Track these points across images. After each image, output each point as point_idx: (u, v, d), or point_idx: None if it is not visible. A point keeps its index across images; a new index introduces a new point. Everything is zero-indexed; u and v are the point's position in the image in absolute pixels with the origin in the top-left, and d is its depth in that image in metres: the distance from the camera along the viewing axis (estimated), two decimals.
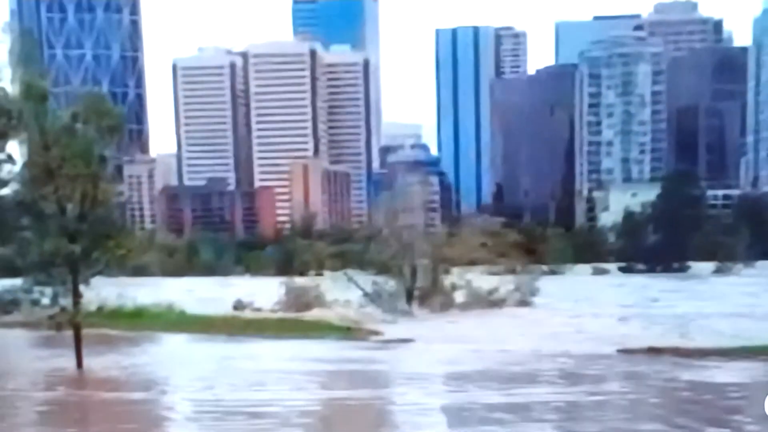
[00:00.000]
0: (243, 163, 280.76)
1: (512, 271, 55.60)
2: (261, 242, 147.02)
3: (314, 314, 45.72)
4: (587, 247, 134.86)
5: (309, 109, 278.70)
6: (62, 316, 28.21)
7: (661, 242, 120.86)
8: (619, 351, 31.60)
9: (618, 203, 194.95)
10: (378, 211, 62.39)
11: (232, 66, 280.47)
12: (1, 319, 46.15)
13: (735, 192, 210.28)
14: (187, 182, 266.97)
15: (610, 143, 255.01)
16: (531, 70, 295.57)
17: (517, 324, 42.69)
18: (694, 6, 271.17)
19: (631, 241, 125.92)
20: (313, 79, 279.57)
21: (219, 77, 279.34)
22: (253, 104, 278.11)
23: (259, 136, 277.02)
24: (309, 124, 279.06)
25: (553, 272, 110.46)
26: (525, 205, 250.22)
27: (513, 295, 52.38)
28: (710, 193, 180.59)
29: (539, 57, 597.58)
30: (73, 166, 27.39)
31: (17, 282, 46.14)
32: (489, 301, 51.03)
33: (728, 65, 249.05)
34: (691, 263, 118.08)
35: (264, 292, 53.87)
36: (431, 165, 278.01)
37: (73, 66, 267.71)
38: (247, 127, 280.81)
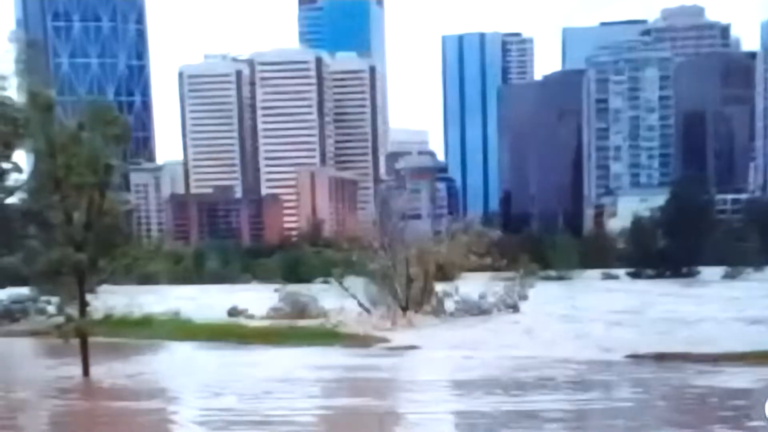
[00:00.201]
0: (249, 171, 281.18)
1: (509, 278, 56.55)
2: (268, 250, 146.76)
3: (310, 322, 45.70)
4: (596, 253, 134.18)
5: (315, 117, 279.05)
6: (69, 325, 28.12)
7: (670, 247, 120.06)
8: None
9: (626, 209, 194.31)
10: (376, 219, 62.91)
11: (238, 73, 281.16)
12: (9, 327, 46.31)
13: (744, 197, 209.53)
14: (193, 190, 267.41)
15: (618, 148, 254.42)
16: (538, 76, 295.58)
17: (506, 330, 43.55)
18: (701, 11, 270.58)
19: (640, 246, 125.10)
20: (320, 86, 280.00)
21: (225, 85, 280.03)
22: (259, 112, 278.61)
23: (265, 144, 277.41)
24: (315, 132, 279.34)
25: (561, 278, 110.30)
26: (533, 212, 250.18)
27: (502, 301, 53.00)
28: (719, 197, 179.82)
29: (546, 63, 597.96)
30: (79, 174, 27.32)
31: (24, 291, 46.38)
32: (479, 308, 51.58)
33: (736, 70, 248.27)
34: (700, 268, 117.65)
35: (267, 299, 53.87)
36: (438, 171, 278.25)
37: (79, 75, 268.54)
38: (253, 134, 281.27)
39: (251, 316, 49.79)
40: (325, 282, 52.77)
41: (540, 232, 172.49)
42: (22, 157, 39.63)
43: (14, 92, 36.54)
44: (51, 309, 32.04)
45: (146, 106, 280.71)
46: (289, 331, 42.09)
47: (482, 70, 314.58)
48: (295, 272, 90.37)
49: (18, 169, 39.99)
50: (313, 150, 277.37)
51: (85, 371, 28.44)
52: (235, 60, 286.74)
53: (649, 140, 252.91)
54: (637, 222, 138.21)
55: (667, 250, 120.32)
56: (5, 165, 39.79)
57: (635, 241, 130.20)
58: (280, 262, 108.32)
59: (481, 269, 55.56)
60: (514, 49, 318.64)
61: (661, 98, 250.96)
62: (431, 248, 53.05)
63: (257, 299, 52.36)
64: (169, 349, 39.83)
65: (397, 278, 50.75)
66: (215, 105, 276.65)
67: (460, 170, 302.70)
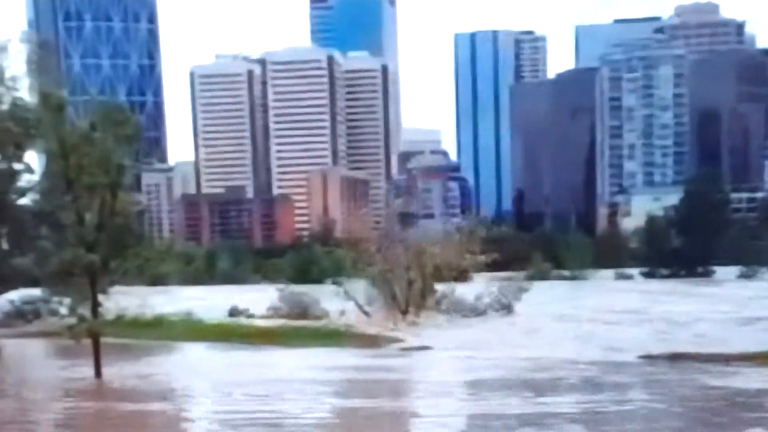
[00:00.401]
0: (261, 171, 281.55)
1: (508, 278, 57.01)
2: (279, 250, 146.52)
3: (311, 322, 45.63)
4: (609, 253, 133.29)
5: (327, 116, 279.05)
6: (81, 326, 28.04)
7: (685, 247, 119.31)
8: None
9: (640, 207, 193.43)
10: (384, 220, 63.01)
11: (250, 73, 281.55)
12: (21, 328, 46.35)
13: (759, 195, 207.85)
14: (205, 190, 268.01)
15: (632, 147, 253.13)
16: (551, 74, 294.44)
17: (503, 330, 43.85)
18: (716, 8, 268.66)
19: (654, 245, 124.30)
20: (332, 85, 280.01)
21: (237, 84, 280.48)
22: (270, 111, 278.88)
23: (277, 144, 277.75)
24: (327, 131, 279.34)
25: (574, 278, 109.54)
26: (546, 211, 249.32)
27: (497, 302, 52.93)
28: (734, 196, 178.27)
29: (559, 61, 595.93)
30: (91, 175, 27.23)
31: (36, 292, 46.37)
32: (474, 309, 51.48)
33: (751, 67, 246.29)
34: (715, 267, 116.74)
35: (276, 300, 53.58)
36: (451, 171, 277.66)
37: (91, 75, 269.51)
38: (264, 134, 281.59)
39: (251, 316, 49.72)
40: (335, 283, 52.68)
41: (553, 231, 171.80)
42: (33, 157, 39.71)
43: (26, 93, 36.61)
44: (63, 310, 31.91)
45: (158, 106, 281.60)
46: (294, 332, 41.94)
47: (495, 68, 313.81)
48: (306, 273, 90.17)
49: (30, 169, 40.09)
50: (325, 149, 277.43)
51: (97, 372, 28.37)
52: (246, 59, 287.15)
53: (663, 138, 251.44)
54: (651, 221, 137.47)
55: (682, 249, 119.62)
56: (17, 166, 39.88)
57: (649, 240, 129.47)
58: (291, 263, 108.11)
59: (493, 269, 55.30)
60: (527, 47, 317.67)
61: (675, 96, 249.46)
62: (426, 248, 52.79)
63: (266, 300, 52.22)
64: (182, 350, 39.79)
65: (396, 281, 50.59)
66: (227, 105, 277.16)
67: (472, 169, 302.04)
